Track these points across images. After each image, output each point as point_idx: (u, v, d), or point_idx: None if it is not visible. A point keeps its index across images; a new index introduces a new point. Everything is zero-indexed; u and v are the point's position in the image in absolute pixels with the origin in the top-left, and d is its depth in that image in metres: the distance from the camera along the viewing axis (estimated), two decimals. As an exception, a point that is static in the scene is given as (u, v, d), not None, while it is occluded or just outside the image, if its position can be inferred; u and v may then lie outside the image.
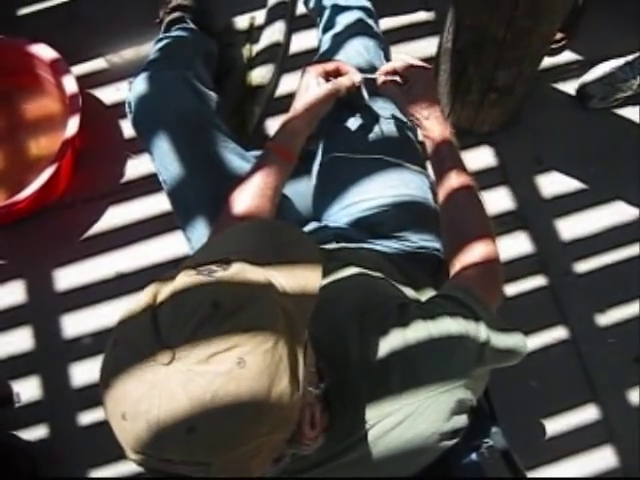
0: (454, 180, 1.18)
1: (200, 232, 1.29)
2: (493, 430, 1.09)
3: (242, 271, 0.72)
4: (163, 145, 1.30)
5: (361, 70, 1.30)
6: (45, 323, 1.67)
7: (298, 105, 1.24)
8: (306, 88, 1.25)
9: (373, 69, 1.40)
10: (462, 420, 0.90)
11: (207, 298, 0.69)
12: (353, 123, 1.34)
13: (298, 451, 0.76)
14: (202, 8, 1.81)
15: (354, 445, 0.87)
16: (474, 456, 1.05)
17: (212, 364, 0.66)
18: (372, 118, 1.35)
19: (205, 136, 1.34)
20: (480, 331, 0.93)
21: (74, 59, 1.80)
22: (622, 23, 1.89)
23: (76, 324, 1.66)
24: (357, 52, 1.43)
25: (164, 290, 0.70)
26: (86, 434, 1.59)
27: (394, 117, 1.35)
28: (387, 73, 1.29)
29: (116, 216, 1.74)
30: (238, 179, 1.20)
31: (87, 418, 1.60)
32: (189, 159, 1.30)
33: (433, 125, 1.24)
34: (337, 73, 1.28)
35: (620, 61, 1.81)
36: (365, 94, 1.29)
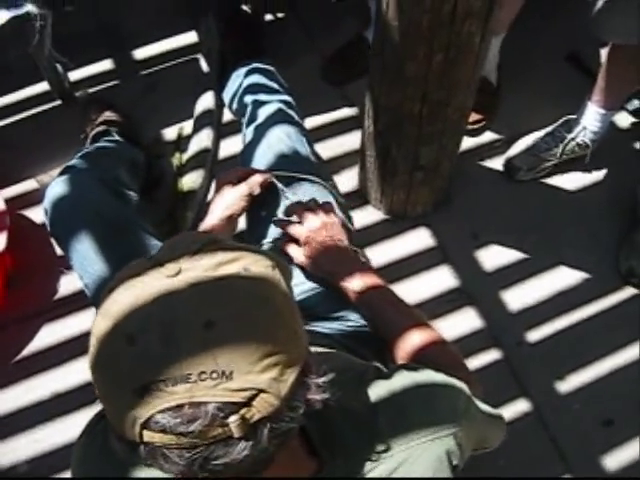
0: (359, 286, 1.16)
1: None
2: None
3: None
4: (82, 247, 1.27)
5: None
6: (-23, 454, 1.55)
7: (215, 210, 1.28)
8: (220, 195, 1.29)
9: (295, 153, 1.42)
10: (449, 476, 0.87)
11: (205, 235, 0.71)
12: (272, 214, 1.34)
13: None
14: (130, 122, 1.84)
15: None
16: None
17: (219, 271, 0.65)
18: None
19: (126, 234, 1.31)
20: (464, 388, 0.93)
21: (4, 183, 1.80)
22: (537, 100, 1.98)
23: (12, 451, 1.54)
24: (279, 139, 1.45)
25: None
26: None
27: (314, 201, 1.34)
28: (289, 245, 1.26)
29: (51, 334, 1.67)
30: None
31: None
32: (109, 259, 1.27)
33: (341, 275, 1.19)
34: (247, 176, 1.31)
35: (542, 132, 1.87)
36: (281, 186, 1.32)
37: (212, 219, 1.26)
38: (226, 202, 1.27)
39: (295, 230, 1.24)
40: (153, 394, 0.61)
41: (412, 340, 1.09)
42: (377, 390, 0.89)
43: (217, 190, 1.30)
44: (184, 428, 0.60)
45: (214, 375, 0.60)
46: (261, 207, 1.34)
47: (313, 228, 1.22)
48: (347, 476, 0.82)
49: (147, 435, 0.62)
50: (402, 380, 0.91)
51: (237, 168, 1.38)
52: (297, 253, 1.24)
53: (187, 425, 0.60)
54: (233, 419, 0.61)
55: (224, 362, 0.61)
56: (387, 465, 0.83)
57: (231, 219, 1.27)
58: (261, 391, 0.62)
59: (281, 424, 0.64)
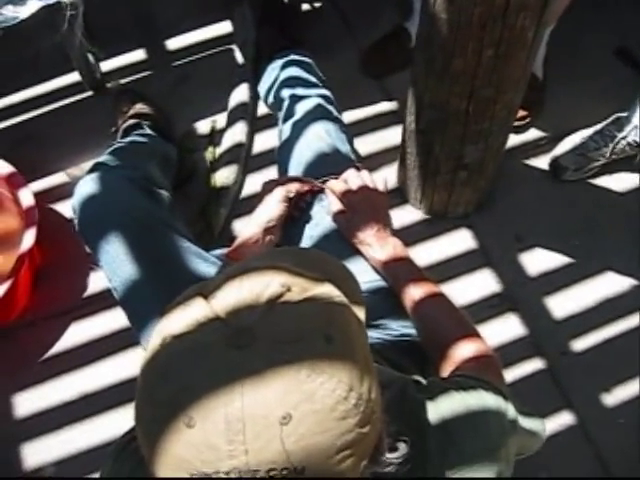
0: (414, 292, 1.13)
1: None
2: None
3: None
4: (111, 248, 1.22)
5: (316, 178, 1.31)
6: (4, 454, 1.52)
7: (254, 217, 1.25)
8: (262, 202, 1.26)
9: (336, 152, 1.37)
10: None
11: (273, 279, 0.61)
12: (311, 220, 1.31)
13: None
14: (162, 115, 1.79)
15: None
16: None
17: (297, 341, 0.57)
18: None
19: (156, 236, 1.26)
20: (509, 407, 0.88)
21: (33, 175, 1.76)
22: (584, 96, 1.89)
23: (38, 452, 1.51)
24: (318, 136, 1.39)
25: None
26: None
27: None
28: (332, 191, 1.26)
29: (79, 332, 1.63)
30: None
31: None
32: (139, 261, 1.22)
33: (376, 251, 1.20)
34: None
35: (590, 131, 1.78)
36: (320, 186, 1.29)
37: (251, 227, 1.23)
38: (264, 210, 1.23)
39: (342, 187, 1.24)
40: None
41: (462, 352, 1.04)
42: (425, 412, 0.83)
43: (260, 199, 1.27)
44: None
45: (284, 472, 0.54)
46: (295, 209, 1.29)
47: (361, 195, 1.22)
48: None
49: None
50: (452, 404, 0.85)
51: (282, 177, 1.34)
52: (341, 221, 1.24)
53: None
54: None
55: (297, 459, 0.54)
56: None
57: (270, 227, 1.23)
58: None
59: None
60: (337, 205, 1.25)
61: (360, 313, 0.66)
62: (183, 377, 0.56)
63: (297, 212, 1.29)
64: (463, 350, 1.04)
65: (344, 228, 1.24)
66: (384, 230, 1.22)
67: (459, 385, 0.87)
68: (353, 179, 1.26)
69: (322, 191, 1.29)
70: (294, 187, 1.26)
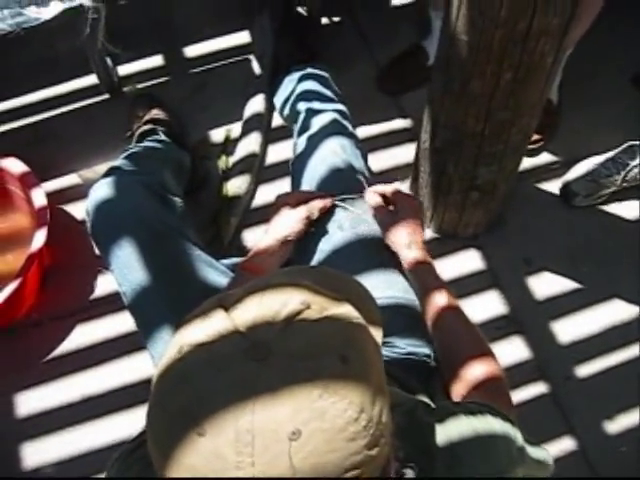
0: (439, 300, 1.15)
1: (162, 347, 1.19)
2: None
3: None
4: (122, 253, 1.23)
5: (336, 194, 1.32)
6: (4, 452, 1.52)
7: (271, 229, 1.25)
8: (280, 214, 1.26)
9: (350, 168, 1.37)
10: None
11: (293, 296, 0.61)
12: (322, 229, 1.32)
13: None
14: (177, 122, 1.80)
15: None
16: None
17: (313, 359, 0.57)
18: (348, 225, 1.31)
19: (168, 243, 1.27)
20: (517, 435, 0.89)
21: (46, 175, 1.76)
22: (597, 122, 1.89)
23: (38, 452, 1.51)
24: (333, 152, 1.40)
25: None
26: None
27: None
28: (375, 193, 1.30)
29: (84, 334, 1.63)
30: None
31: None
32: (150, 268, 1.23)
33: (413, 251, 1.22)
34: (308, 200, 1.28)
35: (602, 157, 1.79)
36: (341, 205, 1.31)
37: (269, 239, 1.22)
38: (284, 224, 1.23)
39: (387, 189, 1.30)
40: None
41: (475, 372, 1.05)
42: (434, 435, 0.84)
43: (275, 210, 1.26)
44: None
45: None
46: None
47: (406, 198, 1.29)
48: None
49: None
50: (460, 427, 0.86)
51: (298, 191, 1.35)
52: (386, 213, 1.27)
53: None
54: None
55: (304, 477, 0.54)
56: None
57: (287, 242, 1.23)
58: None
59: None
60: (379, 202, 1.28)
61: (377, 335, 0.66)
62: (199, 386, 0.57)
63: (310, 226, 1.30)
64: (476, 370, 1.04)
65: (385, 224, 1.26)
66: (421, 235, 1.25)
67: (468, 410, 0.87)
68: (395, 186, 1.30)
69: (335, 207, 1.30)
70: (317, 208, 1.27)
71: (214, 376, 0.57)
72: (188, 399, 0.57)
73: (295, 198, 1.27)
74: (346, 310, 0.62)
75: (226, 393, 0.56)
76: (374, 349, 0.63)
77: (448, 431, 0.84)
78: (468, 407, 0.90)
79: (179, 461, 0.56)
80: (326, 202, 1.28)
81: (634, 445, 1.54)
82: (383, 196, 1.30)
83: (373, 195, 1.30)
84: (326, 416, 0.55)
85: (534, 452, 0.93)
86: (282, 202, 1.27)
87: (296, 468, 0.54)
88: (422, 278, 1.19)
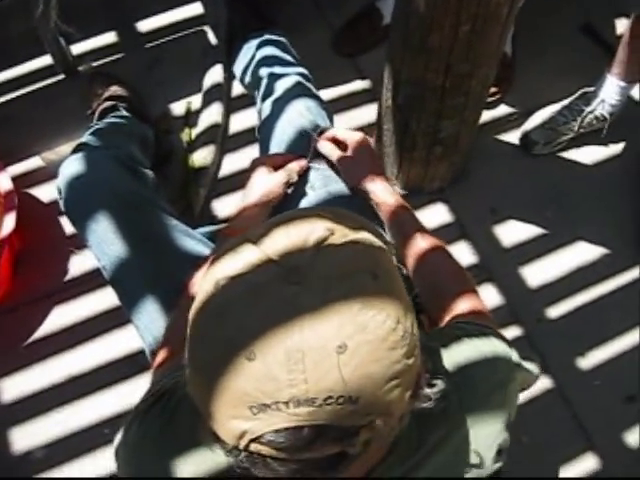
0: (420, 242, 1.15)
1: (147, 317, 1.20)
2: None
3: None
4: (99, 228, 1.22)
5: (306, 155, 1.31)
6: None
7: (251, 194, 1.24)
8: (258, 178, 1.25)
9: (317, 128, 1.38)
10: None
11: (317, 224, 0.65)
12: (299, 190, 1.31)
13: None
14: (137, 98, 1.79)
15: (417, 464, 0.80)
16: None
17: (347, 278, 0.61)
18: (319, 184, 1.31)
19: (144, 214, 1.27)
20: (512, 350, 0.93)
21: (8, 160, 1.73)
22: (552, 71, 1.94)
23: (27, 436, 1.51)
24: (299, 113, 1.40)
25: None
26: None
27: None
28: (325, 140, 1.30)
29: (62, 316, 1.62)
30: (195, 265, 1.13)
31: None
32: (128, 239, 1.22)
33: (382, 192, 1.22)
34: (284, 163, 1.28)
35: (558, 106, 1.83)
36: (314, 165, 1.31)
37: (250, 203, 1.22)
38: (264, 188, 1.23)
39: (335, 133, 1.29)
40: (272, 413, 0.57)
41: (462, 306, 1.06)
42: (441, 359, 0.86)
43: (251, 169, 1.26)
44: (300, 448, 0.58)
45: (340, 400, 0.57)
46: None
47: (359, 144, 1.26)
48: (419, 445, 0.80)
49: (254, 447, 0.59)
50: (465, 350, 0.88)
51: (273, 154, 1.35)
52: (332, 149, 1.27)
53: (304, 446, 0.58)
54: (353, 441, 0.59)
55: (353, 388, 0.57)
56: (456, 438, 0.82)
57: (268, 205, 1.24)
58: (383, 414, 0.60)
59: (389, 437, 0.64)
60: (338, 152, 1.27)
61: (393, 258, 0.70)
62: (241, 315, 0.59)
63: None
64: (462, 305, 1.06)
65: (350, 172, 1.26)
66: (377, 165, 1.26)
67: (467, 332, 0.90)
68: (343, 132, 1.29)
69: (308, 168, 1.31)
70: (295, 170, 1.27)
71: (255, 303, 0.60)
72: (233, 328, 0.59)
73: (272, 161, 1.28)
74: (365, 235, 0.66)
75: (271, 317, 0.59)
76: (395, 268, 0.67)
77: (453, 355, 0.87)
78: (467, 330, 0.93)
79: (230, 389, 0.58)
80: (302, 164, 1.28)
81: (606, 378, 1.61)
82: (334, 141, 1.30)
83: (324, 143, 1.30)
84: (368, 328, 0.59)
85: (526, 364, 0.96)
86: (258, 162, 1.27)
87: (346, 380, 0.57)
88: (399, 222, 1.19)
